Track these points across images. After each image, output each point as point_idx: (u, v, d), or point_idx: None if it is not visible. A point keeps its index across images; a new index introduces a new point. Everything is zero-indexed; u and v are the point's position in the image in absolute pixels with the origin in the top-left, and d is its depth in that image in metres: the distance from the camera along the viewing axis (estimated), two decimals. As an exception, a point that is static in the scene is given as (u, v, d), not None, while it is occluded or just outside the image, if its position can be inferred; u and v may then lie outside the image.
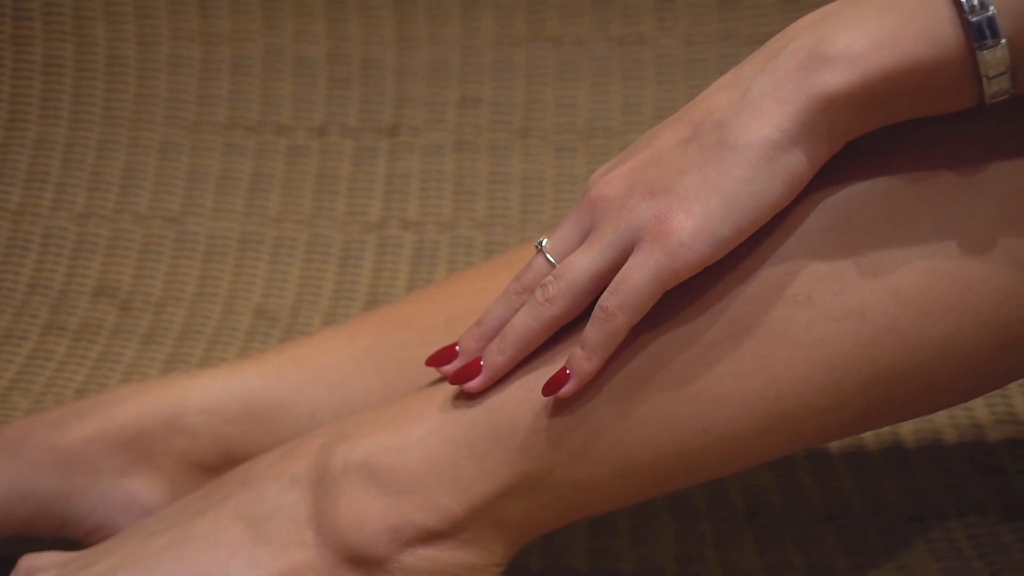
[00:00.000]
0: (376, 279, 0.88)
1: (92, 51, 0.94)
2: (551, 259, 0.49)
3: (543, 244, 0.49)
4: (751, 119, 0.44)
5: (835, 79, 0.43)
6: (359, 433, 0.49)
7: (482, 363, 0.49)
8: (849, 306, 0.45)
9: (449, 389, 0.49)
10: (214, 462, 0.57)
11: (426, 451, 0.47)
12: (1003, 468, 0.72)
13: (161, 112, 0.94)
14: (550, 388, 0.47)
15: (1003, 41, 0.42)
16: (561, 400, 0.47)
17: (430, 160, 0.94)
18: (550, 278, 0.48)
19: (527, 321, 0.48)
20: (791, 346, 0.46)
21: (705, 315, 0.46)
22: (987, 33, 0.42)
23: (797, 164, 0.44)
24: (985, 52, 0.42)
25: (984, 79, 0.43)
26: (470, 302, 0.56)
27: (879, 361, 0.45)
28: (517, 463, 0.47)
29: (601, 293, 0.47)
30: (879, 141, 0.47)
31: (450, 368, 0.50)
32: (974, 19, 0.42)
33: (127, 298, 0.86)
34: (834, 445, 0.75)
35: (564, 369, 0.47)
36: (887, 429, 0.76)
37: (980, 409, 0.77)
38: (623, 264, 0.46)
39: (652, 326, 0.47)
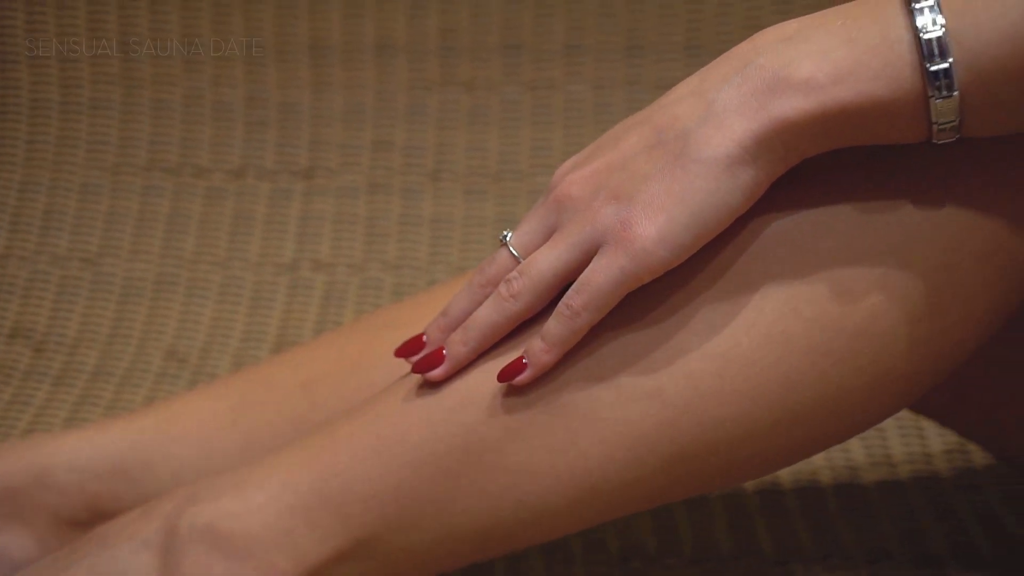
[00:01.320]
0: (285, 321, 0.91)
1: (15, 94, 0.97)
2: (515, 253, 0.51)
3: (508, 238, 0.51)
4: (714, 132, 0.46)
5: (796, 105, 0.46)
6: (207, 497, 0.51)
7: (445, 353, 0.51)
8: (649, 388, 0.48)
9: (295, 452, 0.51)
10: (84, 517, 0.60)
11: (265, 517, 0.50)
12: (870, 509, 0.75)
13: (82, 154, 0.97)
14: (506, 375, 0.49)
15: (955, 94, 0.45)
16: (387, 469, 0.49)
17: (343, 202, 0.96)
18: (515, 274, 0.50)
19: (491, 315, 0.50)
20: (597, 425, 0.48)
21: (519, 393, 0.49)
22: (942, 84, 0.45)
23: (755, 178, 0.47)
24: (938, 101, 0.45)
25: (934, 124, 0.46)
26: (328, 365, 0.59)
27: (678, 440, 0.48)
28: (350, 530, 0.50)
29: (562, 290, 0.49)
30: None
31: (418, 356, 0.52)
32: (932, 68, 0.45)
33: (42, 339, 0.89)
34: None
35: (521, 359, 0.49)
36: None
37: (857, 451, 0.80)
38: (586, 264, 0.48)
39: (472, 402, 0.49)
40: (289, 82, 0.98)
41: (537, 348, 0.49)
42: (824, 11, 0.47)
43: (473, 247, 0.95)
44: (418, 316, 0.60)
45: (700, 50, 0.97)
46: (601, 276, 0.48)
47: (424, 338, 0.53)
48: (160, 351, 0.89)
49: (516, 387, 0.49)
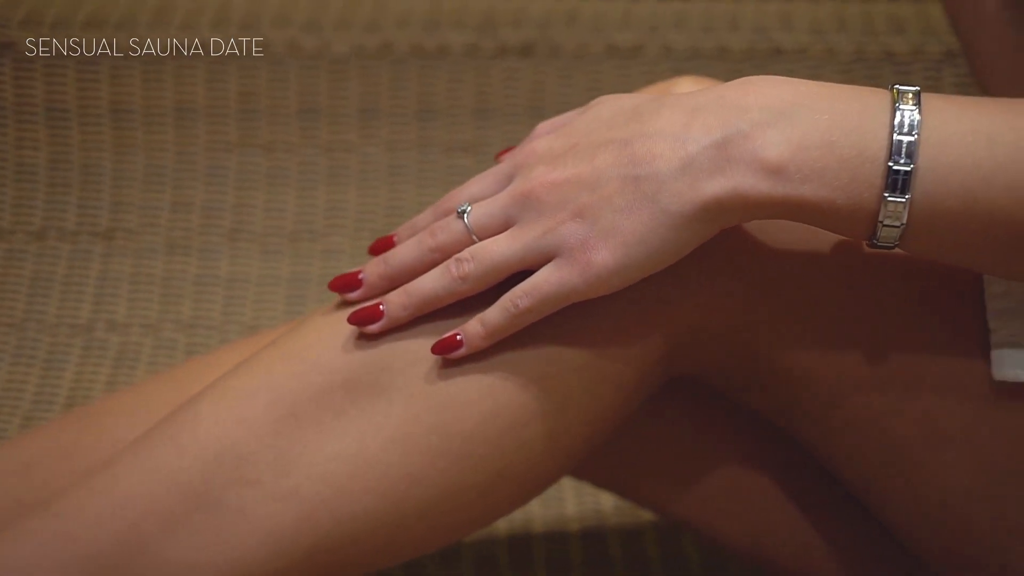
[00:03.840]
0: (77, 382, 0.93)
1: None
2: (470, 229, 0.53)
3: (466, 212, 0.53)
4: (686, 189, 0.49)
5: (762, 189, 0.49)
6: None
7: (382, 309, 0.53)
8: (288, 487, 0.52)
9: (10, 532, 0.54)
10: None
11: None
12: (569, 564, 0.79)
13: None
14: (441, 348, 0.52)
15: (907, 197, 0.48)
16: (60, 564, 0.52)
17: (141, 263, 0.98)
18: (467, 255, 0.52)
19: (436, 287, 0.53)
20: (242, 520, 0.52)
21: (178, 491, 0.52)
22: (899, 184, 0.48)
23: (708, 232, 0.51)
24: (889, 201, 0.48)
25: (879, 224, 0.49)
26: (44, 451, 0.62)
27: (317, 532, 0.52)
28: None
29: (506, 280, 0.52)
30: None
31: (352, 296, 0.54)
32: (894, 166, 0.48)
33: None
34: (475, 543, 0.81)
35: (457, 336, 0.52)
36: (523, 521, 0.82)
37: (606, 501, 0.84)
38: (536, 266, 0.51)
39: (135, 498, 0.52)
40: (91, 144, 1.00)
41: (475, 331, 0.52)
42: (821, 87, 0.50)
43: (266, 306, 0.97)
44: (140, 399, 0.63)
45: (488, 114, 1.01)
46: (552, 287, 0.51)
47: (360, 276, 0.55)
48: (-50, 414, 0.90)
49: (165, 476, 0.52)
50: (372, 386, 0.52)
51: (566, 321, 0.52)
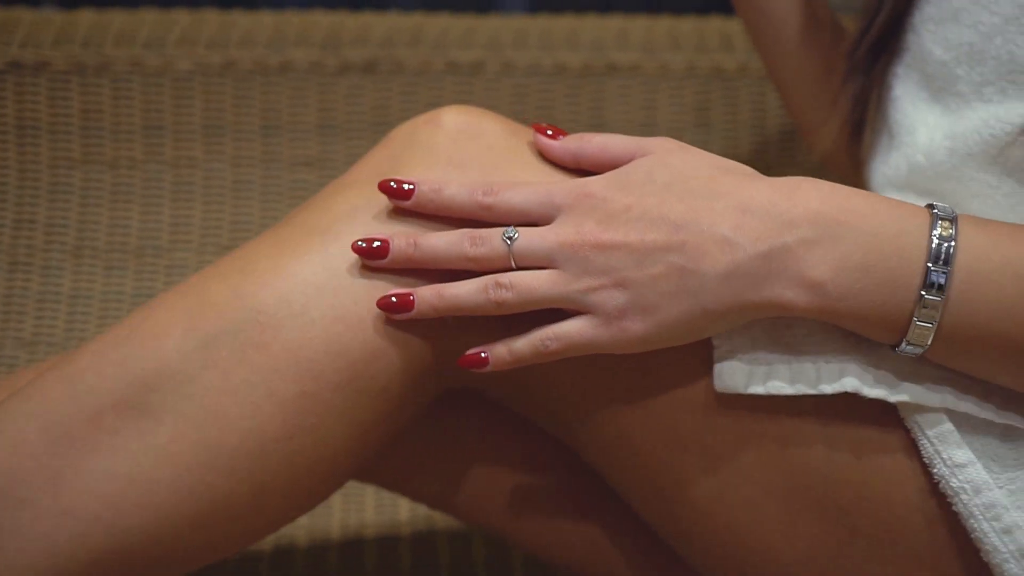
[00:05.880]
0: (-87, 401, 0.92)
1: None
2: (512, 256, 0.55)
3: (513, 239, 0.55)
4: (728, 293, 0.53)
5: (800, 300, 0.53)
6: None
7: (413, 300, 0.55)
8: (63, 506, 0.54)
9: None
10: None
11: None
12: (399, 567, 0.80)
13: None
14: (467, 362, 0.56)
15: (934, 324, 0.52)
16: None
17: (-18, 280, 0.98)
18: (507, 284, 0.54)
19: (468, 300, 0.55)
20: (18, 540, 0.53)
21: None
22: (928, 314, 0.52)
23: (740, 324, 0.55)
24: (917, 325, 0.52)
25: (904, 341, 0.53)
26: None
27: (93, 548, 0.54)
28: None
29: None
30: None
31: (374, 265, 0.55)
32: (926, 295, 0.52)
33: None
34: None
35: (482, 352, 0.56)
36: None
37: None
38: (569, 313, 0.55)
39: None
40: (-70, 162, 0.99)
41: (502, 356, 0.55)
42: (864, 202, 0.53)
43: (110, 322, 0.98)
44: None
45: (332, 130, 1.02)
46: (582, 341, 0.54)
47: (389, 245, 0.55)
48: None
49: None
50: (141, 407, 0.54)
51: (327, 338, 0.54)
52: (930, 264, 0.52)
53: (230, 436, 0.54)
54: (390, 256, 0.55)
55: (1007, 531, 0.54)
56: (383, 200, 0.57)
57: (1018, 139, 0.60)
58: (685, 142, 0.57)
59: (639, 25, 1.05)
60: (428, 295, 0.55)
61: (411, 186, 0.56)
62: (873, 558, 0.57)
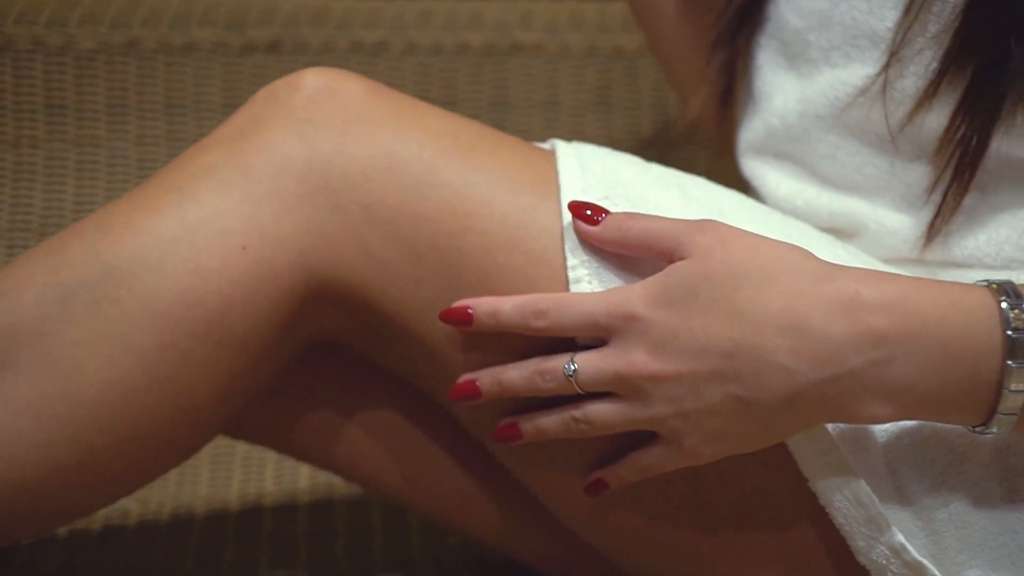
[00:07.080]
0: None
1: None
2: (577, 386, 0.56)
3: (575, 374, 0.56)
4: (794, 419, 0.53)
5: (877, 414, 0.52)
6: None
7: (479, 387, 0.57)
8: None
9: None
10: None
11: None
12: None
13: None
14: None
15: (1014, 416, 0.51)
16: None
17: None
18: (583, 418, 0.56)
19: (551, 428, 0.57)
20: None
21: None
22: (1006, 418, 0.51)
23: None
24: (1013, 368, 0.50)
25: (1005, 390, 0.51)
26: None
27: None
28: None
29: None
30: None
31: (472, 394, 0.58)
32: (1013, 335, 0.50)
33: None
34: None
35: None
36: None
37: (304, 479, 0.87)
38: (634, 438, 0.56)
39: None
40: None
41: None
42: (929, 306, 0.51)
43: (11, 300, 0.97)
44: None
45: (238, 109, 1.02)
46: (652, 461, 0.56)
47: (477, 386, 0.58)
48: None
49: None
50: (1, 361, 0.54)
51: (182, 290, 0.55)
52: (1009, 361, 0.51)
53: (89, 388, 0.55)
54: (484, 394, 0.58)
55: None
56: (241, 159, 0.57)
57: (856, 100, 0.62)
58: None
59: (542, 7, 1.07)
60: (527, 427, 0.58)
61: (470, 310, 0.57)
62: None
